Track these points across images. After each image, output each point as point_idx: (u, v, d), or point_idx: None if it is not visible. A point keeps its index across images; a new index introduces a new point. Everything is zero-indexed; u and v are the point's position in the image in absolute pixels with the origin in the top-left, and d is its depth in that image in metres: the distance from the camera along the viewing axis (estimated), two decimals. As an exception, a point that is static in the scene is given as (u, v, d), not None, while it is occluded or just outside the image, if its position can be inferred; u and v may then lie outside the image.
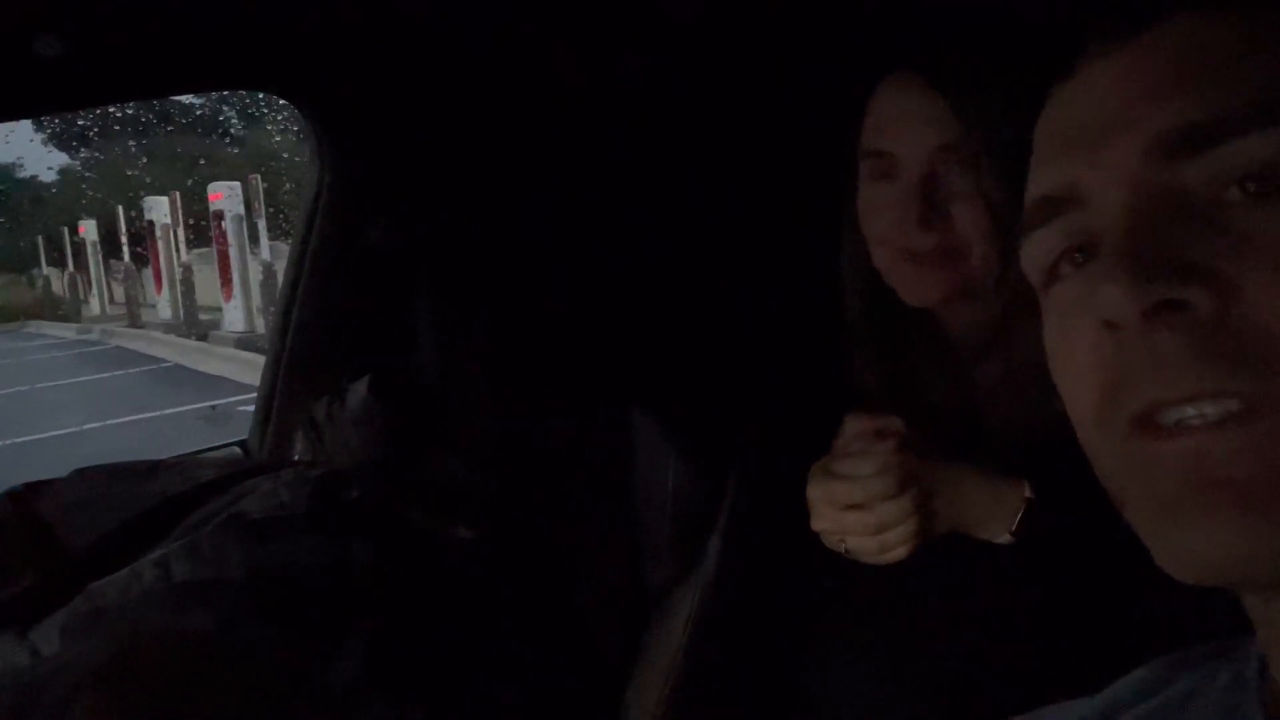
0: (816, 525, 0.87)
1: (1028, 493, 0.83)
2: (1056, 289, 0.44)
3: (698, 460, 1.06)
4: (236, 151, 21.87)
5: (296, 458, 1.20)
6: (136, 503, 0.89)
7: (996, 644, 0.85)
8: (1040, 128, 0.47)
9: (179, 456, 1.25)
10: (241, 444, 1.39)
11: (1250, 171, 0.38)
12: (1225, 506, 0.36)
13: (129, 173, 21.77)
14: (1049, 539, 0.82)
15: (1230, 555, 0.36)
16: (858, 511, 0.84)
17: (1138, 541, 0.41)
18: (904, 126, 0.87)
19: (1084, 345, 0.41)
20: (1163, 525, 0.39)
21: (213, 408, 7.85)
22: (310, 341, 1.31)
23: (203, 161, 20.48)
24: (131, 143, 22.90)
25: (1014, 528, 0.83)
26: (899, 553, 0.83)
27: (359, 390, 1.16)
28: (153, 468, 0.96)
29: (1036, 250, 0.45)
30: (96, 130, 23.13)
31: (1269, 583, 0.39)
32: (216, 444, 1.45)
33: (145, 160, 22.58)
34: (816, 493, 0.87)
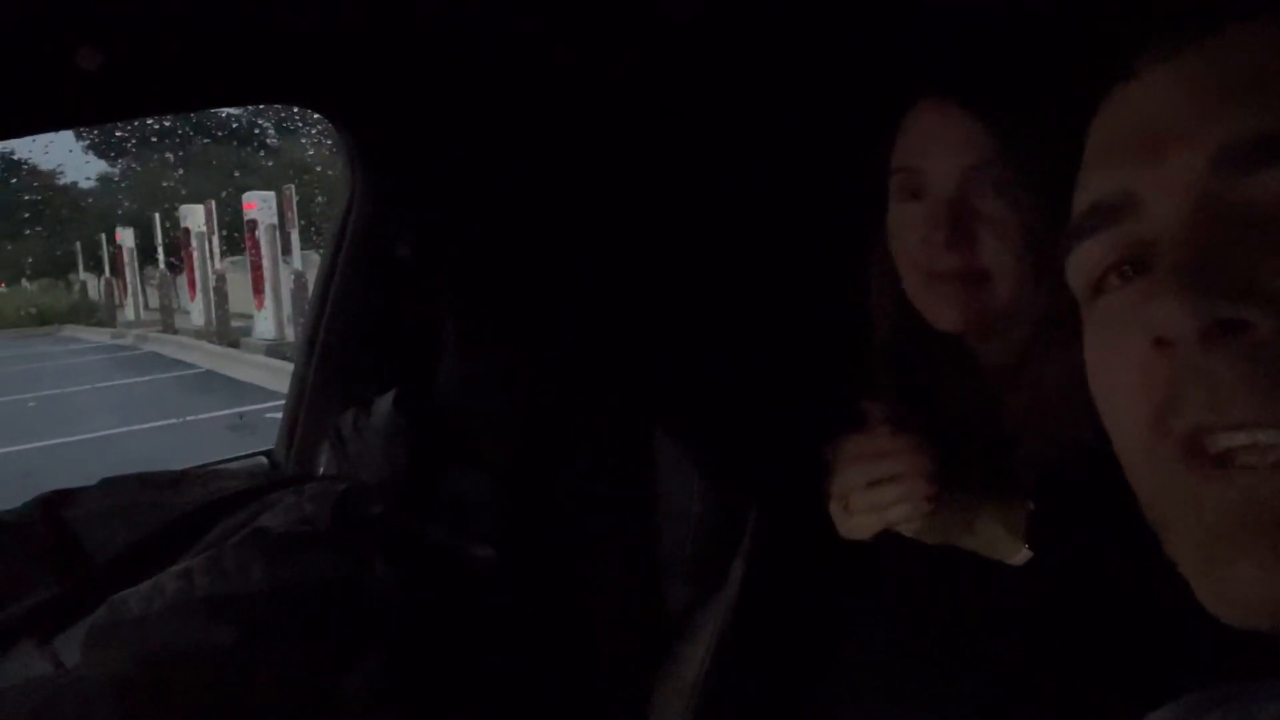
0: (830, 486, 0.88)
1: (1030, 505, 0.82)
2: (1102, 302, 0.42)
3: (722, 483, 1.06)
4: (271, 164, 22.21)
5: (322, 470, 1.20)
6: (161, 513, 0.90)
7: (1023, 668, 0.83)
8: (1095, 131, 0.45)
9: (205, 466, 1.26)
10: (268, 453, 1.40)
11: None
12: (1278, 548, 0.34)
13: (165, 183, 22.15)
14: (1068, 561, 0.81)
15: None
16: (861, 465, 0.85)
17: (1165, 571, 0.39)
18: (935, 146, 0.87)
19: (1131, 363, 0.39)
20: (1209, 562, 0.37)
21: (240, 417, 7.92)
22: (338, 354, 1.32)
23: (236, 174, 20.79)
24: (170, 155, 23.33)
25: (1025, 542, 0.82)
26: (894, 514, 0.83)
27: (384, 404, 1.16)
28: (178, 478, 0.96)
29: (1084, 260, 0.43)
30: (135, 139, 23.58)
31: None
32: (243, 453, 1.46)
33: (182, 170, 22.99)
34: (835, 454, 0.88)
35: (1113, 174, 0.42)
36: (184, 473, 1.00)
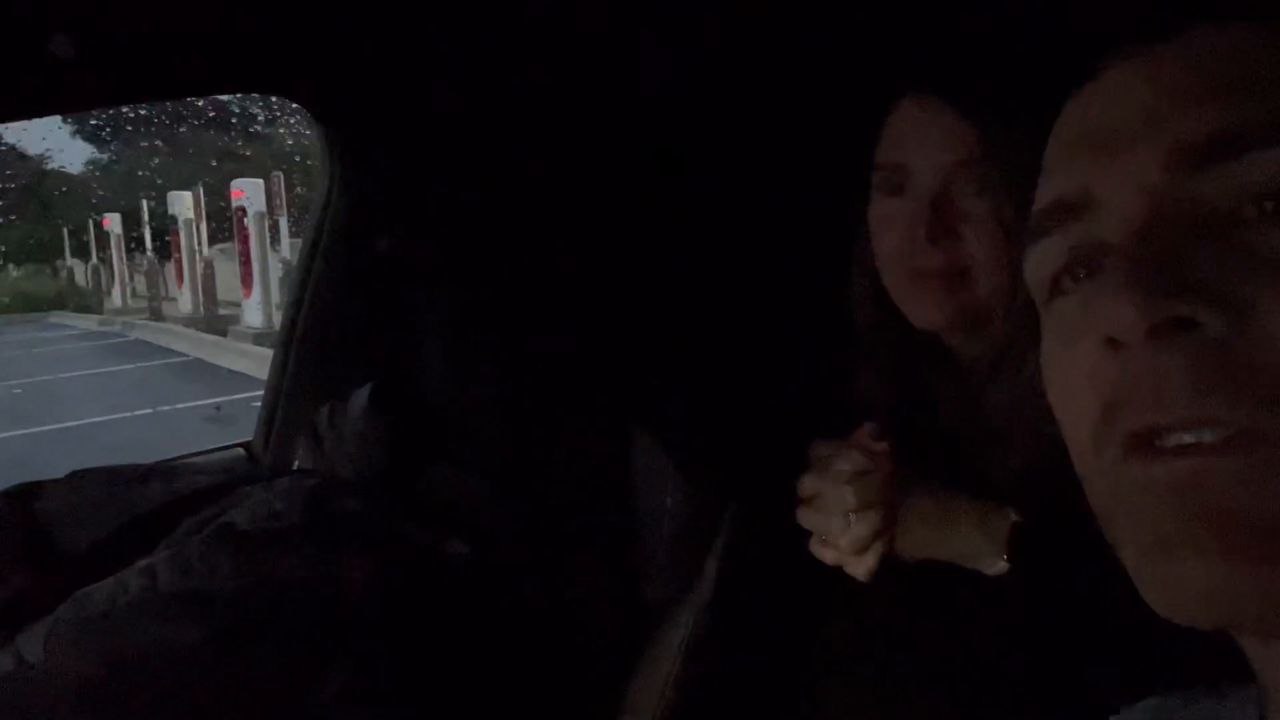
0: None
1: (1014, 516, 0.82)
2: (1058, 304, 0.43)
3: (697, 481, 1.05)
4: (257, 150, 22.06)
5: (297, 464, 1.19)
6: (130, 508, 0.89)
7: (995, 671, 0.83)
8: (1056, 132, 0.45)
9: (180, 457, 1.25)
10: (246, 445, 1.39)
11: (1272, 188, 0.36)
12: (1221, 539, 0.34)
13: (151, 165, 22.01)
14: (1045, 565, 0.81)
15: (1221, 593, 0.34)
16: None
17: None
18: (919, 142, 0.86)
19: (1084, 364, 0.39)
20: (1152, 557, 0.37)
21: (217, 408, 7.87)
22: (316, 346, 1.31)
23: (214, 164, 20.64)
24: (159, 143, 23.18)
25: (1005, 554, 0.82)
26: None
27: (361, 399, 1.15)
28: (148, 472, 0.95)
29: (1041, 260, 0.43)
30: (124, 124, 23.42)
31: (1265, 626, 0.37)
32: (222, 445, 1.45)
33: (170, 155, 22.84)
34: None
35: (1070, 172, 0.42)
36: (154, 466, 0.99)
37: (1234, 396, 0.34)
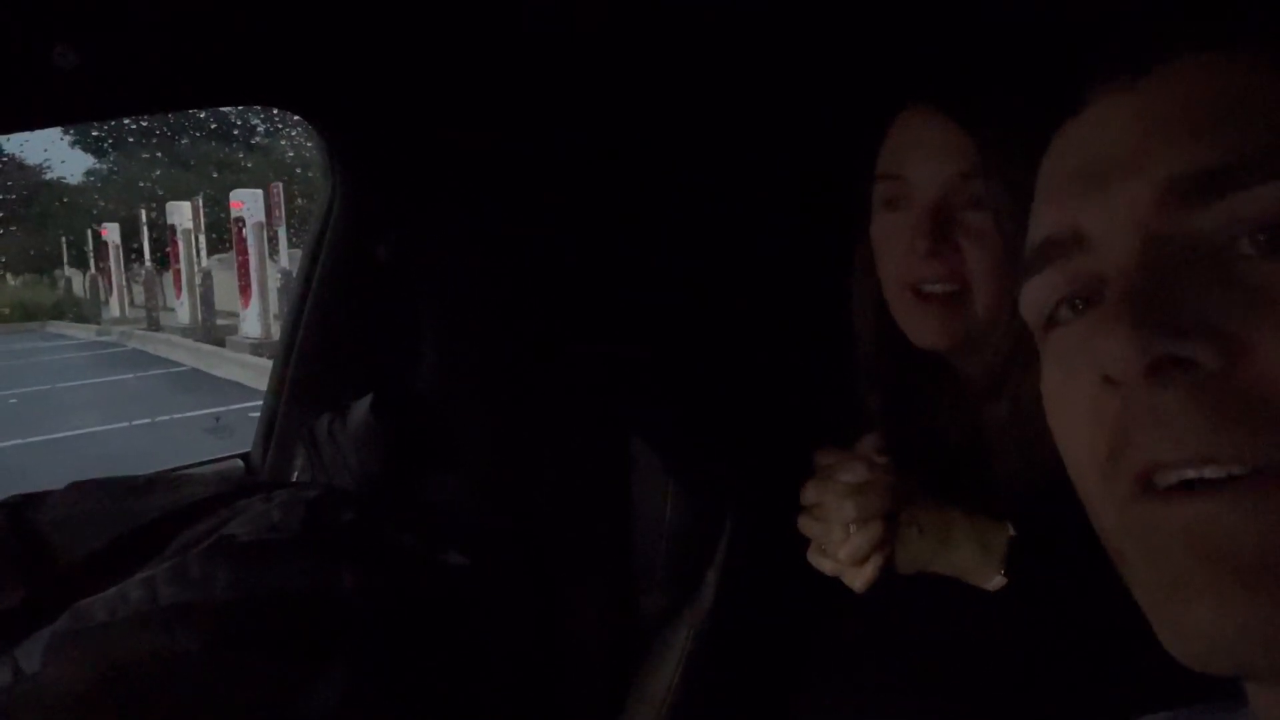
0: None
1: (1011, 531, 0.82)
2: (1056, 336, 0.42)
3: (696, 493, 1.05)
4: (258, 161, 22.09)
5: (296, 475, 1.19)
6: (129, 519, 0.88)
7: (992, 684, 0.83)
8: (1045, 167, 0.44)
9: (178, 469, 1.24)
10: (244, 456, 1.39)
11: (1265, 222, 0.36)
12: (1233, 584, 0.34)
13: (152, 176, 22.03)
14: (1042, 579, 0.81)
15: (1238, 639, 0.34)
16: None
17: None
18: (920, 154, 0.87)
19: (1084, 398, 0.39)
20: (1166, 601, 0.36)
21: (216, 419, 7.85)
22: (316, 357, 1.31)
23: (215, 175, 20.65)
24: (159, 154, 23.21)
25: (1002, 569, 0.82)
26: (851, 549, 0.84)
27: (360, 409, 1.15)
28: (148, 483, 0.95)
29: (1036, 295, 0.43)
30: (124, 135, 23.44)
31: (1273, 672, 0.36)
32: (219, 456, 1.44)
33: (170, 165, 22.86)
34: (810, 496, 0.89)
35: (1061, 209, 0.42)
36: (154, 478, 0.98)
37: (1235, 433, 0.34)
